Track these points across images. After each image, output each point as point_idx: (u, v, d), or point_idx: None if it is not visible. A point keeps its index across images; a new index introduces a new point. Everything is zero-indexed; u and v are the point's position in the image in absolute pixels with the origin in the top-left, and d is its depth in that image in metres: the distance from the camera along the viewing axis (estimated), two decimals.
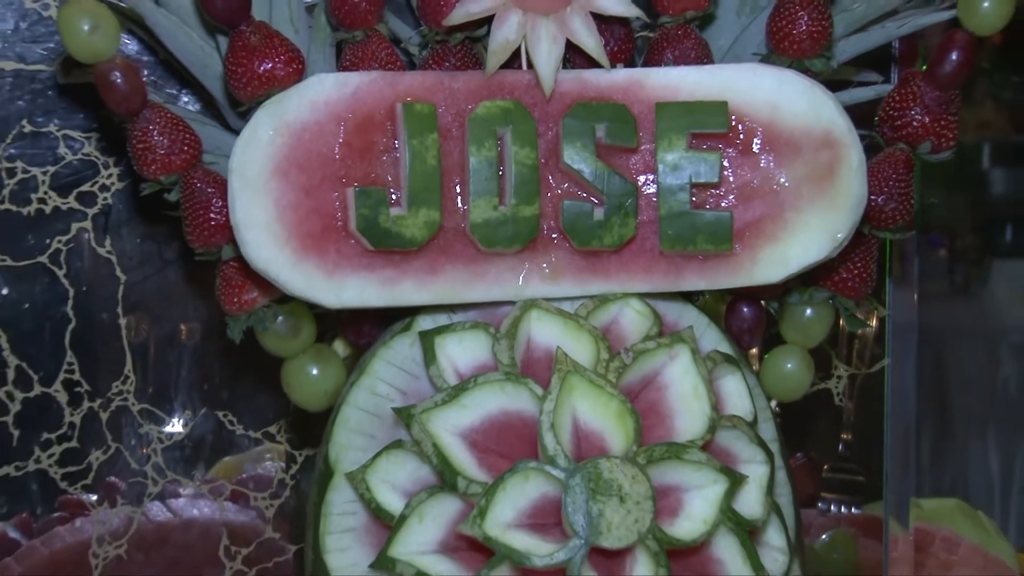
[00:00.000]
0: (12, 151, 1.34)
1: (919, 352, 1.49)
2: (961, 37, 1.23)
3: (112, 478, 1.40)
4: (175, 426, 1.39)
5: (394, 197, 1.15)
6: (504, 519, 1.09)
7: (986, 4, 1.21)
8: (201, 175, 1.18)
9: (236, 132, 1.14)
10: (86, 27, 1.15)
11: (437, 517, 1.12)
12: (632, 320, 1.18)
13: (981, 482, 2.30)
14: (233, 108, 1.19)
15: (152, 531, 1.40)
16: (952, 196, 2.15)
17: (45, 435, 1.37)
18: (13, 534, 1.41)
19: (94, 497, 1.40)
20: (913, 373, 1.47)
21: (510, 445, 1.12)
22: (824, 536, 1.51)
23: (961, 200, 2.24)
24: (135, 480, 1.39)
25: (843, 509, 1.53)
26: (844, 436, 1.51)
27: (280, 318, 1.22)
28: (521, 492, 1.10)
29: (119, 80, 1.16)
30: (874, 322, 1.46)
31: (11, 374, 1.36)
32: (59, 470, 1.38)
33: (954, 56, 1.22)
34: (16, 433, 1.36)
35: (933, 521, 1.58)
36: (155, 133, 1.18)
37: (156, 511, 1.41)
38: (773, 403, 1.27)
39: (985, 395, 2.43)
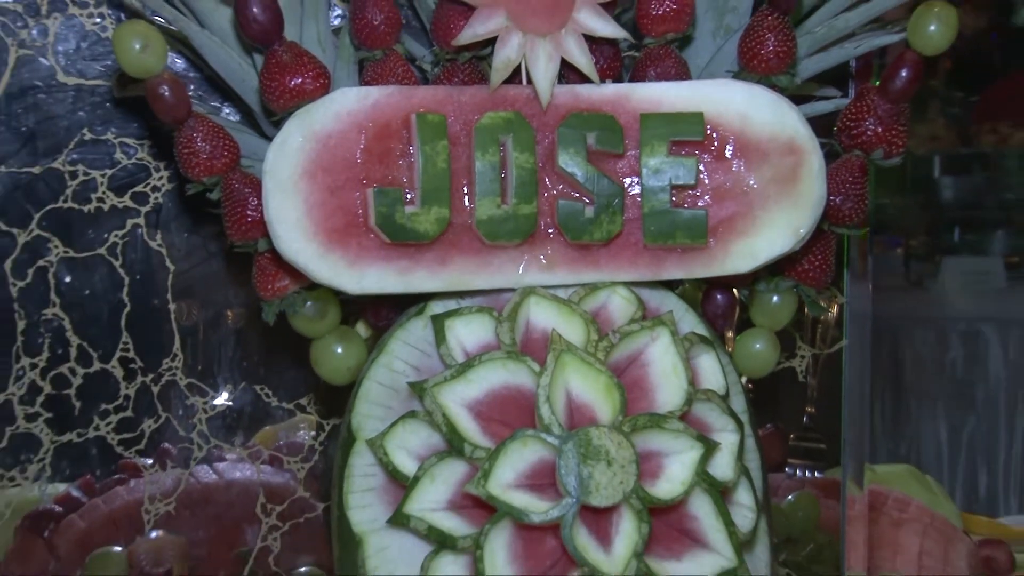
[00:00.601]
0: (74, 156, 1.34)
1: (876, 337, 1.49)
2: (910, 57, 1.22)
3: (164, 444, 1.40)
4: (218, 398, 1.39)
5: (409, 196, 1.15)
6: (505, 480, 1.10)
7: (932, 27, 1.21)
8: (239, 177, 1.18)
9: (270, 139, 1.14)
10: (138, 46, 1.15)
11: (446, 478, 1.12)
12: (619, 305, 1.18)
13: (930, 451, 2.31)
14: (267, 118, 1.20)
15: (198, 490, 1.40)
16: (907, 202, 2.15)
17: (103, 406, 1.37)
18: (76, 493, 1.42)
19: (148, 461, 1.40)
20: (868, 354, 1.47)
21: (510, 415, 1.13)
22: (790, 497, 1.51)
23: (915, 205, 2.24)
24: (183, 446, 1.39)
25: (807, 473, 1.53)
26: (808, 409, 1.51)
27: (309, 303, 1.22)
28: (520, 457, 1.10)
29: (167, 93, 1.16)
30: (834, 308, 1.46)
31: (73, 352, 1.36)
32: (116, 437, 1.38)
33: (904, 73, 1.22)
34: (78, 404, 1.37)
35: (886, 484, 1.58)
36: (199, 140, 1.18)
37: (202, 473, 1.41)
38: (744, 379, 1.28)
39: (935, 375, 2.44)
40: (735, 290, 1.30)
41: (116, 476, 1.41)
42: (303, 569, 1.41)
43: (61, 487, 1.40)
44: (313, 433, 1.42)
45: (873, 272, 1.47)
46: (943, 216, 2.38)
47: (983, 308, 2.51)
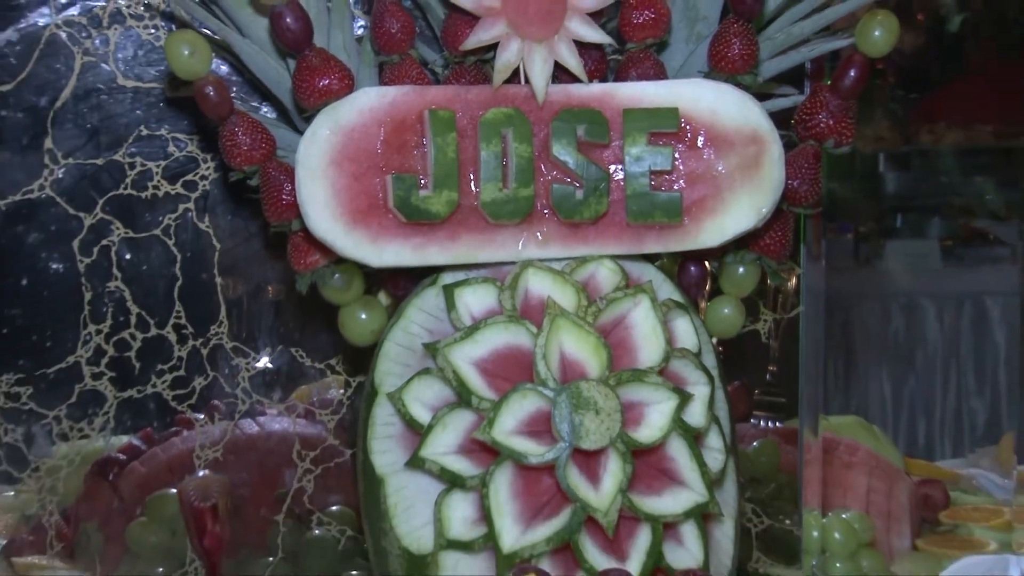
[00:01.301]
0: (133, 150, 1.33)
1: (830, 308, 1.48)
2: (857, 59, 1.22)
3: (212, 400, 1.39)
4: (259, 360, 1.39)
5: (422, 182, 1.15)
6: (507, 427, 1.10)
7: (876, 33, 1.21)
8: (275, 166, 1.18)
9: (301, 133, 1.14)
10: (187, 52, 1.14)
11: (456, 426, 1.12)
12: (605, 276, 1.17)
13: (876, 405, 2.31)
14: (299, 114, 1.19)
15: (242, 440, 1.40)
16: (856, 193, 2.15)
17: (159, 366, 1.37)
18: (137, 443, 1.41)
19: (199, 415, 1.40)
20: (822, 322, 1.46)
21: (511, 371, 1.12)
22: (755, 443, 1.51)
23: (863, 196, 2.24)
24: (228, 401, 1.39)
25: (769, 423, 1.52)
26: (770, 367, 1.51)
27: (336, 275, 1.21)
28: (520, 407, 1.10)
29: (212, 93, 1.16)
30: (792, 279, 1.45)
31: (133, 319, 1.35)
32: (170, 393, 1.37)
33: (852, 73, 1.22)
34: (137, 365, 1.36)
35: (838, 432, 1.58)
36: (240, 134, 1.17)
37: (245, 425, 1.41)
38: (714, 340, 1.27)
39: (880, 341, 2.44)
40: (706, 262, 1.29)
41: (171, 428, 1.41)
42: (334, 508, 1.41)
43: (124, 438, 1.40)
44: (342, 390, 1.41)
45: (827, 253, 1.47)
46: (887, 205, 2.38)
47: (921, 285, 2.52)
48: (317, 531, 1.41)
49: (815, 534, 1.47)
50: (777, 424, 1.51)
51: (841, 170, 1.50)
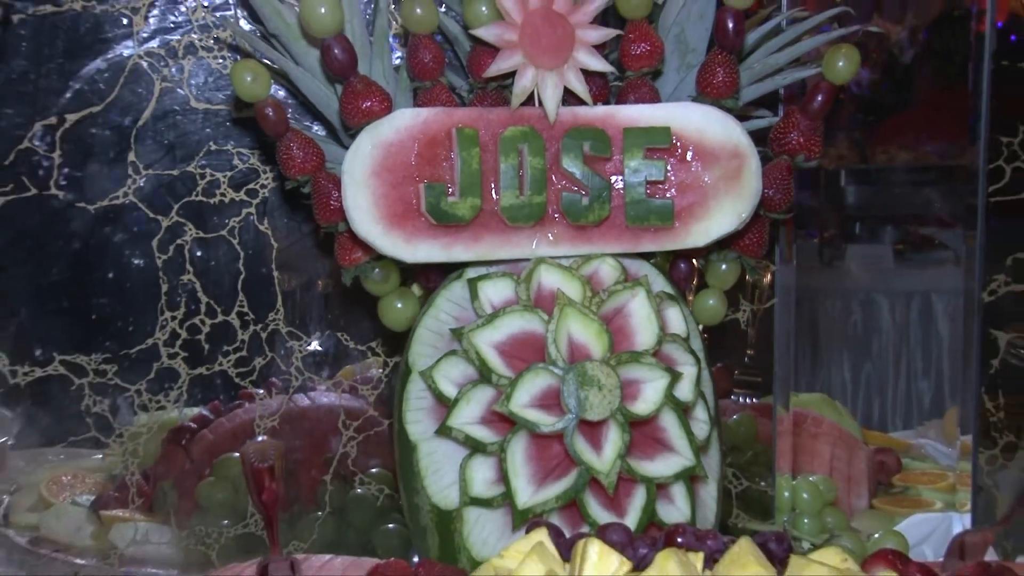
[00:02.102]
0: (203, 162, 1.33)
1: (799, 302, 1.47)
2: (824, 85, 1.22)
3: (271, 377, 1.39)
4: (310, 343, 1.38)
5: (450, 190, 1.14)
6: (522, 401, 1.10)
7: (840, 63, 1.21)
8: (325, 176, 1.17)
9: (347, 148, 1.14)
10: (249, 79, 1.14)
11: (478, 400, 1.12)
12: (607, 271, 1.17)
13: (838, 385, 2.31)
14: (345, 132, 1.18)
15: (296, 411, 1.39)
16: (821, 205, 2.14)
17: (225, 347, 1.36)
18: (206, 413, 1.41)
19: (260, 390, 1.39)
20: (793, 313, 1.45)
21: (526, 352, 1.12)
22: (735, 416, 1.50)
23: (827, 207, 2.23)
24: (284, 378, 1.38)
25: (747, 399, 1.51)
26: (748, 351, 1.49)
27: (376, 270, 1.20)
28: (533, 383, 1.10)
29: (271, 114, 1.16)
30: (768, 275, 1.44)
31: (203, 308, 1.35)
32: (234, 371, 1.37)
33: (819, 97, 1.22)
34: (207, 346, 1.36)
35: (806, 407, 1.57)
36: (295, 148, 1.17)
37: (298, 398, 1.40)
38: (700, 327, 1.26)
39: (842, 331, 2.44)
40: (694, 260, 1.28)
41: (236, 401, 1.40)
42: (373, 470, 1.40)
43: (195, 409, 1.39)
44: (380, 369, 1.40)
45: (796, 255, 1.46)
46: (847, 214, 2.37)
47: (876, 283, 2.52)
48: (359, 490, 1.40)
49: (786, 494, 1.47)
50: (754, 400, 1.50)
51: (809, 184, 1.49)
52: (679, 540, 0.99)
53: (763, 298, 1.44)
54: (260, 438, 1.32)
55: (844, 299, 2.48)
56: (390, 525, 1.38)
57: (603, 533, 0.99)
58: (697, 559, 0.93)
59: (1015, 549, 1.45)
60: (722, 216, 1.18)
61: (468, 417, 1.11)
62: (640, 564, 0.91)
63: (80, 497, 1.41)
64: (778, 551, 0.96)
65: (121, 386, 1.35)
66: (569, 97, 1.17)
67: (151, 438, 1.38)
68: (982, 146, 1.44)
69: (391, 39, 1.23)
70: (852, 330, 2.51)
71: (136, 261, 1.33)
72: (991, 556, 1.02)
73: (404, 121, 1.14)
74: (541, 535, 0.95)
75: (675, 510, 1.14)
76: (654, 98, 1.20)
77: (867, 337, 2.54)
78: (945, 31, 2.02)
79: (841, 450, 1.56)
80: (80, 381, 1.35)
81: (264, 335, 1.36)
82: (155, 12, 1.31)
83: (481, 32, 1.15)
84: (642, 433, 1.12)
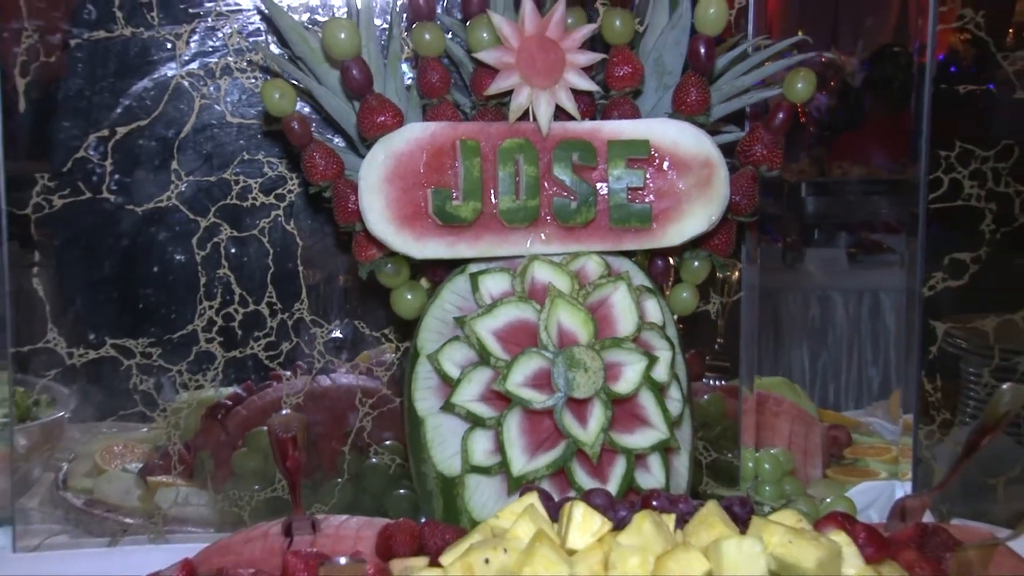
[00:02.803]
0: (237, 170, 1.32)
1: (764, 298, 1.47)
2: (785, 104, 1.21)
3: (296, 360, 1.38)
4: (331, 330, 1.37)
5: (454, 194, 1.14)
6: (517, 381, 1.09)
7: (799, 85, 1.21)
8: (344, 182, 1.17)
9: (363, 157, 1.13)
10: (277, 96, 1.14)
11: (479, 380, 1.11)
12: (593, 267, 1.16)
13: (798, 370, 2.30)
14: (362, 143, 1.18)
15: (318, 390, 1.38)
16: (785, 214, 2.13)
17: (256, 333, 1.35)
18: (240, 392, 1.40)
19: (287, 372, 1.38)
20: (757, 307, 1.44)
21: (521, 338, 1.12)
22: (706, 396, 1.49)
23: (790, 216, 2.22)
24: (308, 360, 1.37)
25: (717, 382, 1.50)
26: (718, 340, 1.49)
27: (389, 265, 1.20)
28: (527, 366, 1.10)
29: (297, 127, 1.15)
30: (735, 272, 1.43)
31: (236, 298, 1.34)
32: (264, 354, 1.36)
33: (781, 115, 1.21)
34: (240, 332, 1.35)
35: (768, 389, 1.56)
36: (317, 157, 1.16)
37: (321, 379, 1.39)
38: (675, 317, 1.25)
39: (801, 323, 2.44)
40: (670, 257, 1.28)
41: (266, 381, 1.39)
42: (387, 442, 1.39)
43: (229, 389, 1.38)
44: (393, 353, 1.39)
45: (762, 257, 1.46)
46: (807, 222, 2.36)
47: (832, 282, 2.52)
48: (374, 459, 1.39)
49: (750, 465, 1.46)
50: (723, 382, 1.50)
51: (773, 195, 1.48)
52: (654, 503, 0.98)
53: (731, 292, 1.44)
54: (284, 411, 1.31)
55: (804, 296, 2.48)
56: (401, 491, 1.38)
57: (587, 497, 0.98)
58: (670, 520, 0.92)
59: (950, 512, 1.45)
60: (694, 219, 1.18)
61: (469, 395, 1.11)
62: (619, 524, 0.91)
63: (129, 464, 1.40)
64: (741, 513, 0.95)
65: (164, 367, 1.34)
66: (560, 113, 1.16)
67: (191, 413, 1.37)
68: (923, 161, 1.43)
69: (403, 62, 1.22)
70: (810, 323, 2.51)
71: (178, 257, 1.33)
72: (928, 518, 1.02)
73: (414, 134, 1.14)
74: (532, 499, 0.95)
75: (651, 478, 1.13)
76: (635, 114, 1.19)
77: (823, 329, 2.55)
78: (884, 62, 2.01)
79: (799, 426, 1.55)
80: (128, 362, 1.34)
81: (290, 323, 1.35)
82: (195, 37, 1.30)
83: (482, 55, 1.14)
84: (623, 410, 1.12)
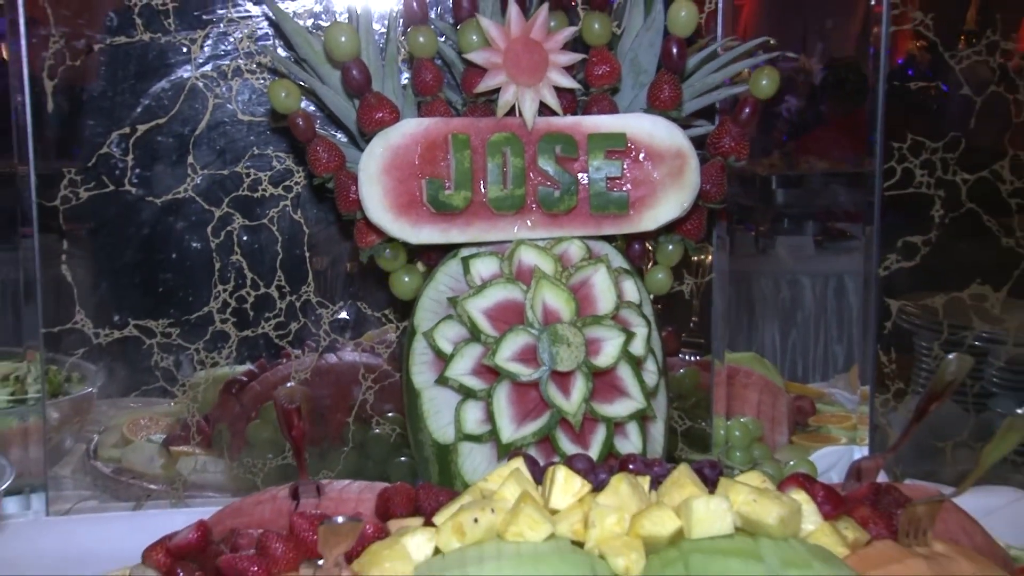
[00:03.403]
0: (248, 164, 1.31)
1: (737, 282, 1.47)
2: (750, 100, 1.21)
3: (305, 339, 1.37)
4: (336, 311, 1.36)
5: (447, 184, 1.13)
6: (505, 356, 1.09)
7: (764, 82, 1.21)
8: (345, 174, 1.17)
9: (363, 150, 1.13)
10: (283, 95, 1.13)
11: (470, 355, 1.11)
12: (575, 251, 1.16)
13: (769, 347, 2.30)
14: (361, 137, 1.17)
15: (324, 366, 1.37)
16: (757, 204, 2.13)
17: (267, 314, 1.35)
18: (253, 368, 1.39)
19: (297, 350, 1.37)
20: (727, 289, 1.44)
21: (509, 316, 1.12)
22: (682, 370, 1.48)
23: (761, 206, 2.22)
24: (315, 339, 1.36)
25: (692, 357, 1.49)
26: (693, 319, 1.48)
27: (388, 250, 1.20)
28: (515, 341, 1.10)
29: (301, 123, 1.15)
30: (708, 256, 1.42)
31: (248, 282, 1.33)
32: (274, 333, 1.35)
33: (747, 110, 1.21)
34: (252, 313, 1.34)
35: (739, 363, 1.56)
36: (321, 151, 1.16)
37: (327, 356, 1.38)
38: (651, 296, 1.24)
39: (772, 304, 2.44)
40: (646, 241, 1.27)
41: (276, 358, 1.38)
42: (388, 414, 1.39)
43: (244, 367, 1.38)
44: (395, 333, 1.39)
45: (737, 244, 1.45)
46: (777, 212, 2.37)
47: (800, 266, 2.52)
48: (376, 430, 1.39)
49: (722, 432, 1.46)
50: (697, 357, 1.49)
51: (746, 187, 1.48)
52: (631, 467, 0.98)
53: (703, 274, 1.43)
54: (289, 384, 1.31)
55: (774, 279, 2.48)
56: (402, 458, 1.37)
57: (570, 462, 0.98)
58: (645, 482, 0.92)
59: (903, 473, 1.45)
60: (668, 205, 1.17)
61: (462, 369, 1.11)
62: (599, 486, 0.90)
63: (154, 436, 1.40)
64: (711, 475, 0.94)
65: (183, 346, 1.34)
66: (544, 109, 1.16)
67: (209, 388, 1.37)
68: (878, 152, 1.43)
69: (399, 62, 1.21)
70: (781, 304, 2.51)
71: (194, 244, 1.32)
72: (882, 478, 1.01)
73: (409, 128, 1.13)
74: (518, 463, 0.94)
75: (629, 444, 1.13)
76: (613, 110, 1.19)
77: (793, 310, 2.55)
78: (839, 68, 2.01)
79: (766, 397, 1.55)
80: (150, 341, 1.33)
81: (298, 304, 1.35)
82: (209, 42, 1.29)
83: (472, 56, 1.14)
84: (603, 382, 1.12)
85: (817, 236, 2.50)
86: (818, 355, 2.50)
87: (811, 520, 0.87)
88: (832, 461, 1.45)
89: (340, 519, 0.77)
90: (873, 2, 1.42)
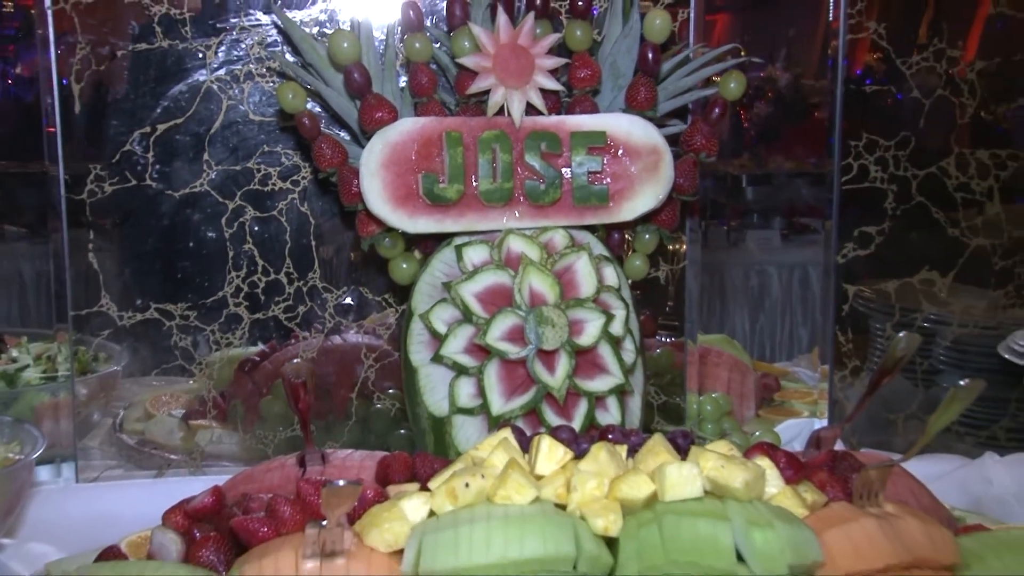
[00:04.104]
0: (259, 160, 1.30)
1: (711, 272, 1.46)
2: (720, 101, 1.20)
3: (312, 322, 1.36)
4: (340, 296, 1.35)
5: (441, 178, 1.13)
6: (495, 335, 1.09)
7: (732, 85, 1.20)
8: (348, 168, 1.16)
9: (363, 147, 1.12)
10: (290, 96, 1.13)
11: (463, 335, 1.11)
12: (559, 239, 1.15)
13: (740, 331, 2.30)
14: (362, 135, 1.16)
15: (330, 347, 1.37)
16: (729, 201, 2.13)
17: (276, 298, 1.34)
18: (265, 349, 1.38)
19: (305, 332, 1.36)
20: (699, 278, 1.43)
21: (498, 299, 1.11)
22: (658, 350, 1.48)
23: (733, 203, 2.22)
24: (320, 322, 1.35)
25: (668, 339, 1.49)
26: (669, 303, 1.47)
27: (387, 239, 1.19)
28: (504, 322, 1.09)
29: (307, 122, 1.14)
30: (682, 245, 1.41)
31: (259, 268, 1.32)
32: (284, 316, 1.34)
33: (717, 111, 1.20)
34: (263, 297, 1.33)
35: (711, 344, 1.55)
36: (325, 148, 1.15)
37: (332, 338, 1.37)
38: (629, 281, 1.23)
39: (743, 293, 2.44)
40: (625, 231, 1.26)
41: (286, 340, 1.37)
42: (389, 390, 1.38)
43: (256, 348, 1.36)
44: (393, 316, 1.38)
45: (709, 239, 1.45)
46: (748, 208, 2.37)
47: (768, 258, 2.52)
48: (378, 405, 1.38)
49: (695, 406, 1.46)
50: (672, 338, 1.48)
51: (719, 187, 1.48)
52: (610, 436, 0.97)
53: (678, 261, 1.42)
54: (295, 360, 1.30)
55: (744, 269, 2.48)
56: (401, 431, 1.37)
57: (554, 433, 0.97)
58: (622, 450, 0.92)
59: (859, 443, 1.46)
60: (645, 197, 1.16)
61: (455, 348, 1.10)
62: (580, 454, 0.90)
63: (174, 411, 1.39)
64: (683, 444, 0.94)
65: (200, 327, 1.33)
66: (531, 109, 1.15)
67: (224, 367, 1.36)
68: (836, 149, 1.43)
69: (397, 66, 1.20)
70: (751, 292, 2.51)
71: (209, 234, 1.31)
72: (840, 446, 1.01)
73: (406, 127, 1.12)
74: (506, 433, 0.94)
75: (609, 416, 1.13)
76: (594, 110, 1.18)
77: (761, 297, 2.55)
78: (801, 78, 2.01)
79: (736, 374, 1.55)
80: (169, 323, 1.32)
81: (305, 289, 1.34)
82: (223, 48, 1.28)
83: (464, 60, 1.13)
84: (585, 359, 1.11)
85: (783, 230, 2.49)
86: (784, 338, 2.50)
87: (774, 484, 0.87)
88: (795, 432, 1.45)
89: (341, 482, 0.76)
90: (831, 18, 1.42)
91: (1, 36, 1.58)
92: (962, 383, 0.83)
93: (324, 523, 0.80)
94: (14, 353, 1.47)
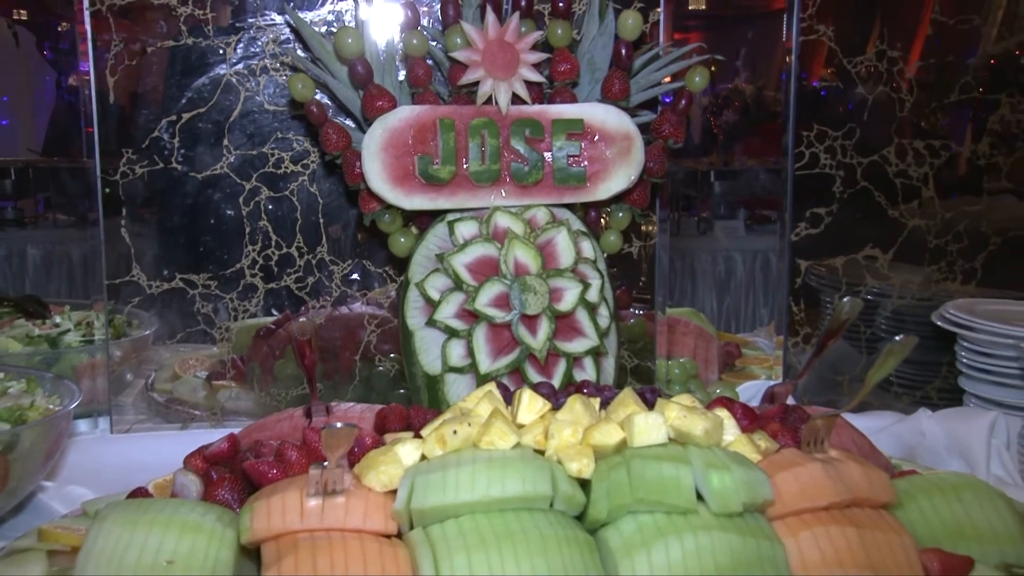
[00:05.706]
0: (272, 145, 1.28)
1: (683, 257, 1.46)
2: (686, 94, 1.18)
3: (320, 292, 1.34)
4: (345, 268, 1.33)
5: (435, 160, 1.11)
6: (483, 301, 1.08)
7: (697, 79, 1.19)
8: (351, 151, 1.14)
9: (365, 132, 1.09)
10: (300, 87, 1.11)
11: (454, 301, 1.09)
12: (541, 216, 1.14)
13: (709, 309, 2.28)
14: (364, 122, 1.14)
15: (337, 315, 1.35)
16: (700, 194, 2.11)
17: (288, 270, 1.32)
18: (278, 316, 1.36)
19: (315, 302, 1.34)
20: (667, 259, 1.41)
21: (486, 269, 1.10)
22: (632, 320, 1.46)
23: (702, 196, 2.20)
24: (327, 292, 1.34)
25: (640, 311, 1.47)
26: (642, 278, 1.46)
27: (387, 215, 1.17)
28: (491, 290, 1.08)
29: (315, 110, 1.13)
30: (654, 227, 1.40)
31: (273, 243, 1.31)
32: (295, 286, 1.33)
33: (683, 102, 1.19)
34: (276, 269, 1.32)
35: (680, 315, 1.54)
36: (331, 133, 1.13)
37: (339, 308, 1.35)
38: (605, 255, 1.22)
39: (711, 276, 2.42)
40: (600, 209, 1.24)
41: (297, 308, 1.35)
42: (391, 355, 1.36)
43: (269, 319, 1.35)
44: (393, 292, 1.36)
45: (681, 228, 1.44)
46: (716, 200, 2.35)
47: (733, 245, 2.50)
48: (379, 367, 1.37)
49: (663, 369, 1.44)
50: (645, 310, 1.47)
51: (691, 182, 1.46)
52: (584, 390, 0.96)
53: (649, 238, 1.41)
54: (301, 319, 1.28)
55: (712, 255, 2.46)
56: (400, 391, 1.35)
57: (536, 389, 0.96)
58: (596, 402, 0.90)
59: (808, 402, 1.45)
60: (618, 179, 1.15)
61: (447, 313, 1.09)
62: (558, 406, 0.88)
63: (199, 372, 1.38)
64: (651, 398, 0.93)
65: (220, 295, 1.31)
66: (516, 98, 1.13)
67: (242, 333, 1.34)
68: (790, 137, 1.41)
69: (396, 60, 1.18)
70: (718, 276, 2.49)
71: (229, 212, 1.29)
72: (791, 402, 1.00)
73: (404, 114, 1.10)
74: (491, 387, 0.93)
75: (586, 375, 1.12)
76: (573, 100, 1.16)
77: (727, 281, 2.53)
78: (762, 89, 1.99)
79: (701, 342, 1.53)
80: (193, 292, 1.31)
81: (314, 262, 1.32)
82: (241, 45, 1.26)
83: (456, 55, 1.11)
84: (564, 324, 1.10)
85: (747, 220, 2.48)
86: (747, 315, 2.48)
87: (731, 432, 0.86)
88: (753, 392, 1.43)
89: (339, 425, 0.75)
90: (785, 39, 1.41)
91: (57, 50, 1.57)
92: (897, 338, 0.81)
93: (325, 464, 0.78)
94: (57, 320, 1.46)
